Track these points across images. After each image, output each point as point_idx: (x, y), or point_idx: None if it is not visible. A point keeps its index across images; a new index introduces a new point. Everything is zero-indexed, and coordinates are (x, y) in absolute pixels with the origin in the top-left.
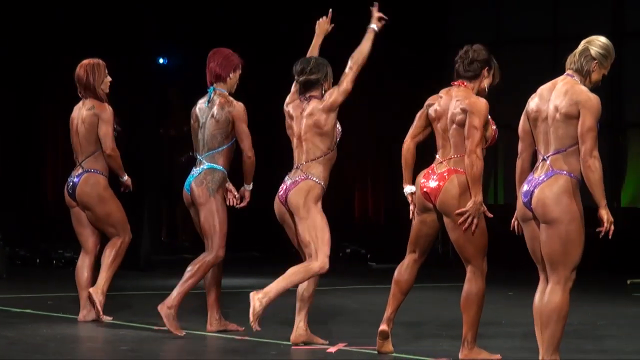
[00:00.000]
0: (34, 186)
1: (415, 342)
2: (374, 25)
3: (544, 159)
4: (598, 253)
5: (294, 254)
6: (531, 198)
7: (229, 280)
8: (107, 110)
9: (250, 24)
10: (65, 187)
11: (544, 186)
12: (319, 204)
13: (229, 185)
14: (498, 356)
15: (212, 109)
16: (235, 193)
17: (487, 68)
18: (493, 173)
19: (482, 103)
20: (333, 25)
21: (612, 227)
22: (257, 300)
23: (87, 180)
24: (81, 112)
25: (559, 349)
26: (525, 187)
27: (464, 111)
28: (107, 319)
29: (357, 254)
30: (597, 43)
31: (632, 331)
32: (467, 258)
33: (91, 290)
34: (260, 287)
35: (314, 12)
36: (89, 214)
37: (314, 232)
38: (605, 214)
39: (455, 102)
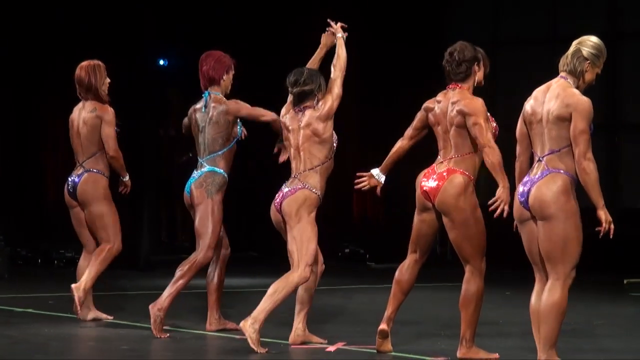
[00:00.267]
0: (34, 187)
1: (413, 341)
2: (340, 34)
3: (539, 160)
4: (595, 253)
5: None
6: (528, 197)
7: (228, 280)
8: (110, 112)
9: (250, 24)
10: (66, 186)
11: (540, 184)
12: (313, 214)
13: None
14: (496, 355)
15: (211, 114)
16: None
17: (475, 64)
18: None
19: (477, 102)
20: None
21: (612, 227)
22: (250, 327)
23: (88, 179)
24: (82, 113)
25: (556, 347)
26: (521, 188)
27: (460, 113)
28: (107, 318)
29: (356, 254)
30: (588, 43)
31: (629, 330)
32: (466, 258)
33: (73, 286)
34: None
35: (314, 13)
36: (85, 213)
37: (300, 241)
38: (603, 214)
39: (452, 105)
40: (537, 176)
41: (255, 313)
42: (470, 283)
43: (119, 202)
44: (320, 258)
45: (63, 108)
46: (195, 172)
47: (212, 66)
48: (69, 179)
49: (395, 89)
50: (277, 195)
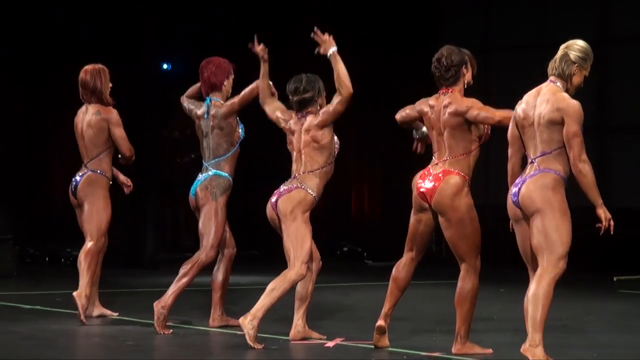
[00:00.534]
0: (42, 187)
1: (410, 337)
2: (331, 52)
3: (532, 162)
4: (585, 252)
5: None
6: (519, 196)
7: (230, 278)
8: (114, 113)
9: (251, 26)
10: (70, 187)
11: (529, 182)
12: (307, 214)
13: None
14: (490, 350)
15: (213, 121)
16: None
17: (463, 66)
18: (484, 173)
19: (470, 100)
20: (265, 48)
21: (612, 223)
22: (249, 324)
23: (89, 178)
24: (85, 116)
25: (542, 331)
26: (513, 189)
27: (453, 114)
28: (113, 314)
29: (354, 252)
30: (575, 47)
31: (618, 326)
32: (461, 256)
33: (75, 294)
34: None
35: (313, 12)
36: (82, 211)
37: (295, 240)
38: (602, 212)
39: (444, 109)
40: (528, 176)
41: (254, 310)
42: (466, 280)
43: (124, 202)
44: (318, 255)
45: (69, 111)
46: (200, 175)
47: (212, 72)
48: (73, 180)
49: (394, 90)
50: (273, 193)
